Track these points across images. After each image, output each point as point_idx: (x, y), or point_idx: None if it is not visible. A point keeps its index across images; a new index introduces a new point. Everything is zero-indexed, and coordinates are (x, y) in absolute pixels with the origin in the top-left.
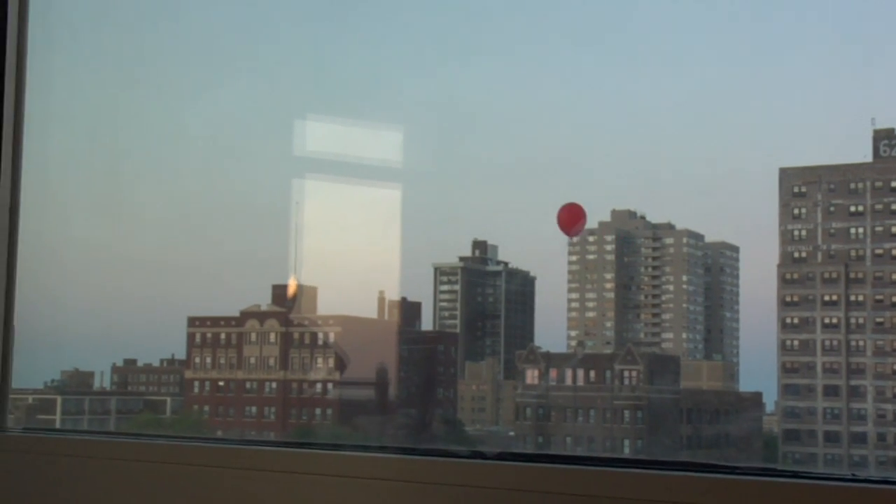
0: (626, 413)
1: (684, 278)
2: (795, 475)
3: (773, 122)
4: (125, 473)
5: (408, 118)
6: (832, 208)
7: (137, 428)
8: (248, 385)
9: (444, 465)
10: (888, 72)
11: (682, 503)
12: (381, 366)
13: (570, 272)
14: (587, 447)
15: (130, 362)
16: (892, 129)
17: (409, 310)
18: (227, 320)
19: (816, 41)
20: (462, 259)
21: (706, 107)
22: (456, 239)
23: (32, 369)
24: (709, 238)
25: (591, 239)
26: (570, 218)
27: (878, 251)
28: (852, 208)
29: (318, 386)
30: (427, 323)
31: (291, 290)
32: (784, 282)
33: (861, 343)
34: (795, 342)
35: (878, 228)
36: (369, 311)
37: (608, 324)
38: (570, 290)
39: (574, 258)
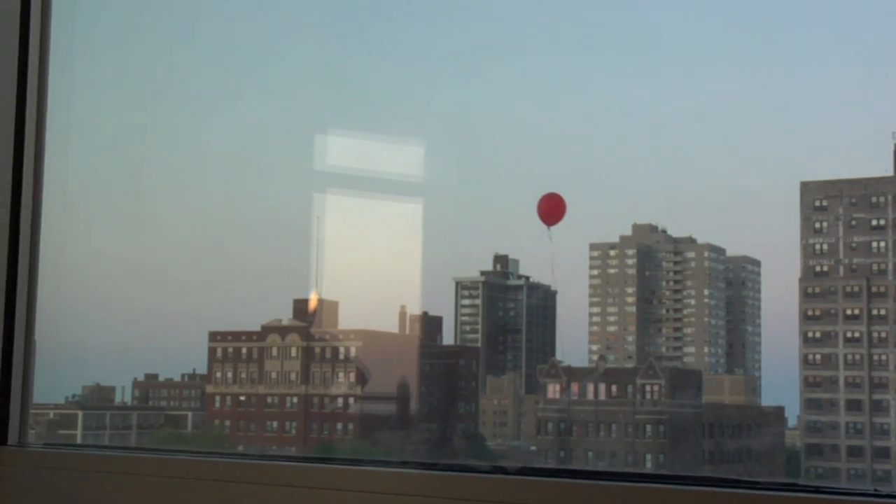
0: (648, 427)
1: (706, 292)
2: (818, 490)
3: (794, 136)
4: (146, 489)
5: (429, 133)
6: (854, 222)
7: (158, 443)
8: (269, 400)
9: (466, 480)
10: None
11: None
12: (403, 380)
13: (591, 286)
14: (609, 462)
15: (151, 377)
16: None
17: (430, 324)
18: (249, 335)
19: (837, 56)
20: (483, 273)
21: (727, 121)
22: (477, 253)
23: (54, 384)
24: (730, 252)
25: (612, 253)
26: (550, 208)
27: None
28: (874, 222)
29: (340, 400)
30: (448, 337)
31: (313, 304)
32: (806, 296)
33: (884, 357)
34: (818, 356)
35: None
36: (390, 325)
37: (630, 338)
38: (592, 305)
39: (595, 272)
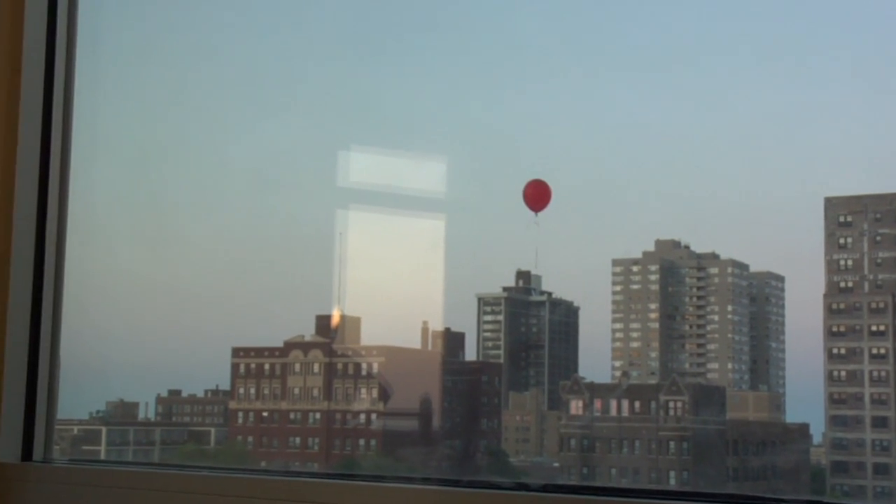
0: (672, 444)
1: (729, 308)
2: None
3: (818, 151)
4: None
5: (451, 148)
6: (878, 237)
7: (181, 459)
8: (291, 416)
9: (488, 497)
10: None
11: None
12: (425, 396)
13: (614, 302)
14: (632, 479)
15: (175, 393)
16: None
17: (452, 340)
18: (271, 351)
19: (861, 70)
20: (505, 289)
21: (750, 136)
22: (499, 269)
23: (78, 400)
24: (754, 268)
25: (634, 269)
26: (536, 194)
27: None
28: None
29: (362, 417)
30: (470, 353)
31: (335, 320)
32: (830, 312)
33: None
34: (842, 373)
35: None
36: (413, 341)
37: (653, 354)
38: (614, 321)
39: (618, 288)
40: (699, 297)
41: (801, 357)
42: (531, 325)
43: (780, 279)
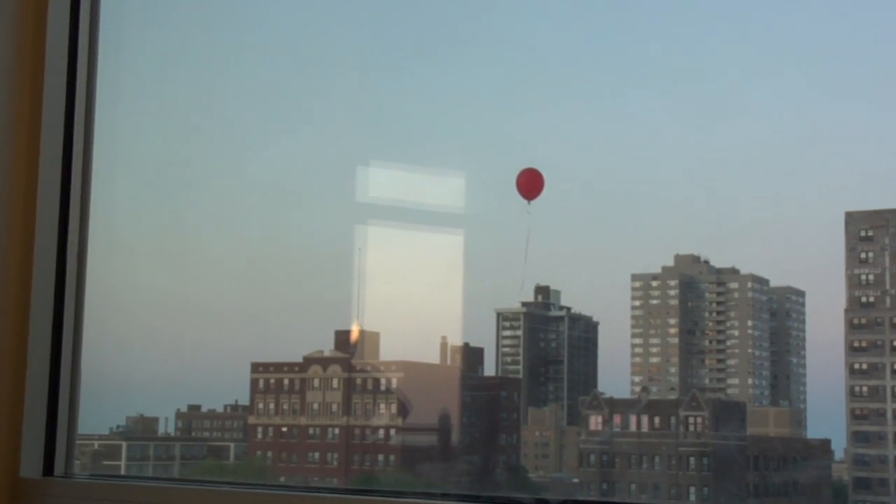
0: (692, 460)
1: (749, 323)
2: None
3: (839, 165)
4: None
5: (470, 164)
6: None
7: (201, 474)
8: (311, 431)
9: None
10: None
11: None
12: (444, 412)
13: (633, 317)
14: (652, 494)
15: (194, 408)
16: None
17: (471, 355)
18: (291, 366)
19: (881, 85)
20: (525, 304)
21: (770, 151)
22: (518, 284)
23: (99, 415)
24: (774, 283)
25: (654, 284)
26: (529, 183)
27: None
28: None
29: (381, 432)
30: (490, 368)
31: (354, 335)
32: (852, 327)
33: None
34: (864, 388)
35: None
36: (432, 356)
37: (672, 369)
38: (634, 336)
39: (637, 303)
40: (719, 313)
41: (822, 372)
42: (550, 340)
43: (801, 294)
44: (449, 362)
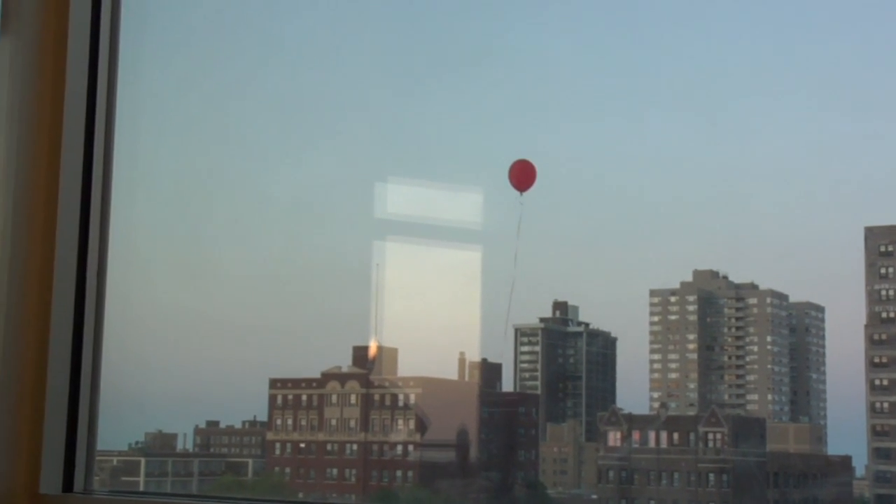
0: (711, 476)
1: (769, 339)
2: None
3: (858, 180)
4: None
5: (488, 180)
6: None
7: (219, 490)
8: (329, 447)
9: None
10: None
11: None
12: (462, 427)
13: (651, 333)
14: None
15: (213, 424)
16: None
17: (489, 371)
18: (309, 382)
19: None
20: (542, 320)
21: (789, 166)
22: (536, 299)
23: (118, 431)
24: (793, 298)
25: (672, 299)
26: (521, 174)
27: None
28: None
29: (399, 448)
30: (508, 384)
31: (372, 351)
32: (872, 342)
33: None
34: (885, 404)
35: None
36: (450, 372)
37: (691, 385)
38: (652, 351)
39: (656, 318)
40: (738, 328)
41: (842, 388)
42: (568, 355)
43: (821, 309)
44: (467, 378)
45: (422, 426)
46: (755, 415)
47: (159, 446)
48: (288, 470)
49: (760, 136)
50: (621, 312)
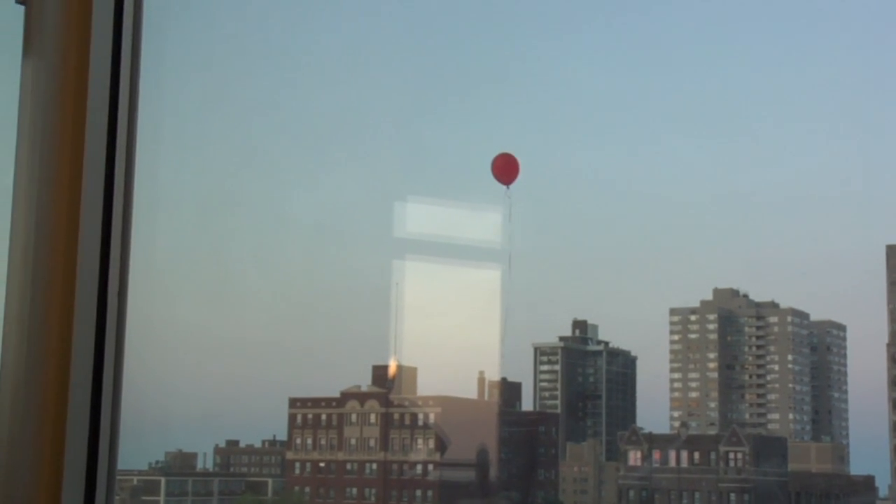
0: (732, 496)
1: (790, 357)
2: None
3: (880, 199)
4: None
5: (507, 200)
6: None
7: None
8: (348, 466)
9: None
10: None
11: None
12: (482, 447)
13: (672, 351)
14: None
15: (233, 443)
16: None
17: (509, 390)
18: (328, 401)
19: None
20: (562, 339)
21: (810, 185)
22: (556, 318)
23: (138, 451)
24: (814, 317)
25: (692, 318)
26: (504, 166)
27: None
28: None
29: (419, 467)
30: (527, 403)
31: (392, 370)
32: (894, 361)
33: None
34: None
35: None
36: (469, 391)
37: (712, 404)
38: (673, 370)
39: (676, 337)
40: (759, 347)
41: (864, 407)
42: (588, 374)
43: (842, 328)
44: (487, 397)
45: (441, 445)
46: (776, 434)
47: (179, 465)
48: (308, 489)
49: (782, 156)
50: (641, 331)
